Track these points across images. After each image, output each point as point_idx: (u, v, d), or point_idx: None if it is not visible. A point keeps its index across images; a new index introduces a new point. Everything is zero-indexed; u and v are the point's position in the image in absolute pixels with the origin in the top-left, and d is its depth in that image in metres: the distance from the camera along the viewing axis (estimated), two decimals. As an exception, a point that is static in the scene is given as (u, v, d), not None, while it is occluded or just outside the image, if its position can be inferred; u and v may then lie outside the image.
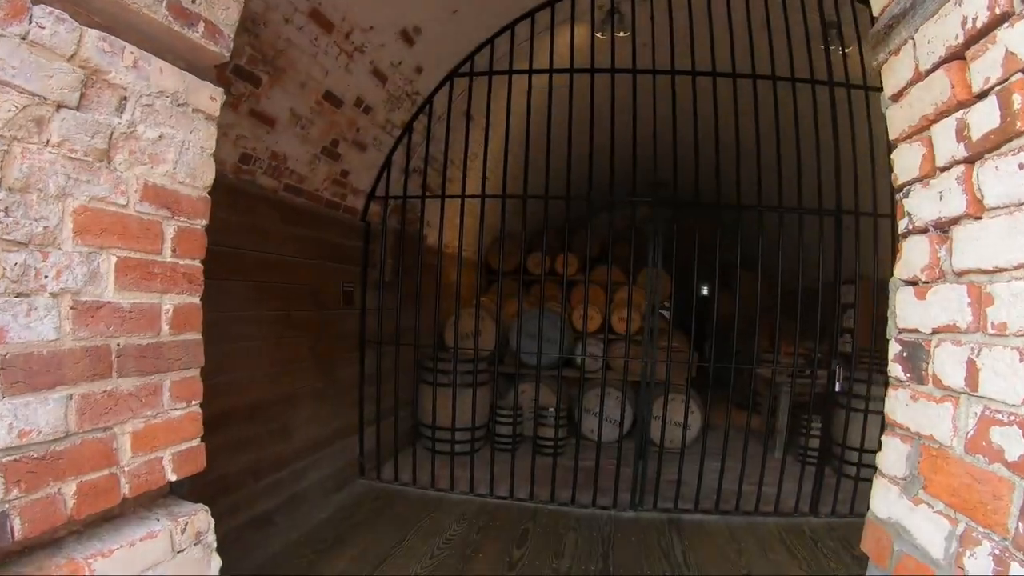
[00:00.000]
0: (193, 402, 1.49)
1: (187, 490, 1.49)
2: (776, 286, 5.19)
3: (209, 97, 1.52)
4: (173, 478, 1.39)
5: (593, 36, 5.11)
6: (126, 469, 1.26)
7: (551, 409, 6.40)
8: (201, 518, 1.40)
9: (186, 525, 1.35)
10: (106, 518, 1.23)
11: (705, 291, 14.69)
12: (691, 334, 5.07)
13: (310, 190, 4.39)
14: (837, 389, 5.07)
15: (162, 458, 1.36)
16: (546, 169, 4.90)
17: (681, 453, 5.01)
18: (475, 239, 8.04)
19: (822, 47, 4.92)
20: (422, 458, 5.43)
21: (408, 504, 4.82)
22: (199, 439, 1.50)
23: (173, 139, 1.40)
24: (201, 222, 1.53)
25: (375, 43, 4.16)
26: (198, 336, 1.53)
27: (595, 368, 7.08)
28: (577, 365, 7.11)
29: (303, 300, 4.34)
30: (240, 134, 3.50)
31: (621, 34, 5.13)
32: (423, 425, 6.19)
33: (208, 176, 1.55)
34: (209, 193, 1.56)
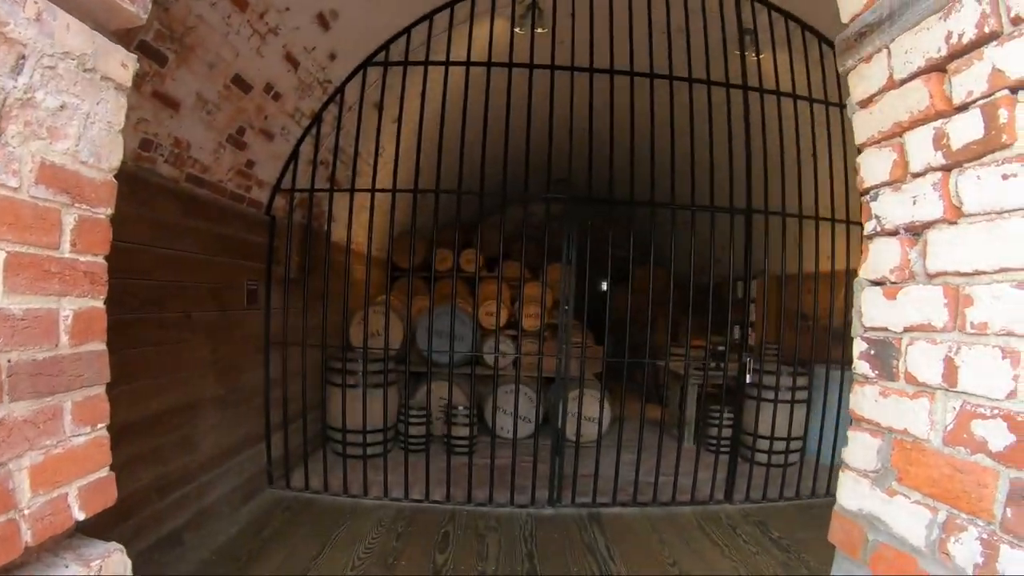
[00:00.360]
0: (99, 425, 1.26)
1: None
2: (686, 283, 5.31)
3: (120, 63, 1.30)
4: (81, 516, 1.16)
5: (513, 31, 5.03)
6: (26, 512, 1.04)
7: (462, 408, 6.30)
8: (116, 560, 1.19)
9: (99, 569, 1.14)
10: (6, 571, 1.02)
11: (604, 287, 15.05)
12: (604, 329, 5.09)
13: (214, 181, 4.07)
14: (748, 381, 5.26)
15: (67, 494, 1.14)
16: (460, 164, 4.78)
17: (597, 447, 5.02)
18: (383, 235, 7.88)
19: (737, 52, 5.09)
20: (332, 463, 5.20)
21: (321, 512, 4.58)
22: (108, 468, 1.28)
23: (77, 110, 1.18)
24: (106, 211, 1.30)
25: (290, 25, 3.90)
26: (102, 347, 1.30)
27: (504, 365, 7.03)
28: (485, 363, 7.05)
29: (205, 300, 4.03)
30: (142, 117, 3.18)
31: (540, 30, 5.08)
32: (332, 428, 5.93)
33: (115, 156, 1.32)
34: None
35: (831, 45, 5.45)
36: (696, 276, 5.08)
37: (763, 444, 5.81)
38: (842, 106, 5.41)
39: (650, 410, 8.95)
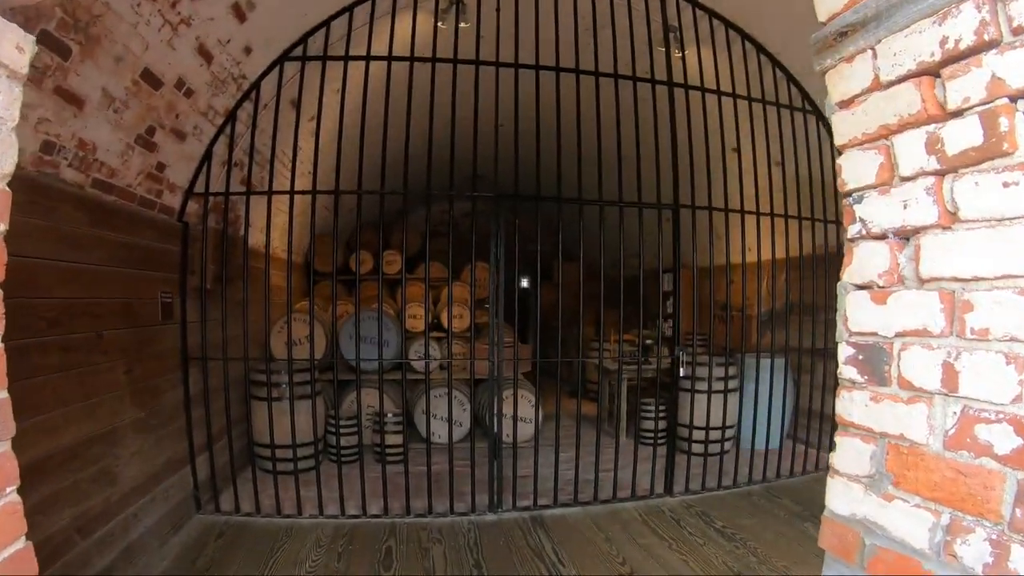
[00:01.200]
0: (8, 490, 1.03)
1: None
2: (615, 278, 5.38)
3: (15, 46, 1.05)
4: (-5, 600, 0.96)
5: (436, 25, 4.90)
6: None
7: (392, 415, 6.13)
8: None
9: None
10: None
11: (526, 284, 15.12)
12: (535, 328, 5.08)
13: (122, 186, 3.71)
14: (682, 374, 5.38)
15: (-23, 579, 0.94)
16: (382, 163, 4.60)
17: (535, 449, 4.99)
18: (303, 239, 7.54)
19: (662, 49, 5.19)
20: (263, 481, 4.89)
21: (256, 536, 4.29)
22: (24, 537, 1.06)
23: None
24: (-1, 227, 1.04)
25: (204, 16, 3.60)
26: (3, 395, 1.04)
27: (432, 368, 6.89)
28: (413, 368, 6.90)
29: (116, 317, 3.67)
30: (43, 117, 2.83)
31: (464, 25, 4.97)
32: (259, 445, 5.61)
33: (9, 160, 1.05)
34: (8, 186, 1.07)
35: (754, 43, 5.69)
36: (624, 271, 5.10)
37: (698, 435, 5.98)
38: (762, 102, 5.65)
39: (583, 406, 9.08)
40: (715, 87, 5.24)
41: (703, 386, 5.88)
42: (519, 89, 4.72)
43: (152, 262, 4.07)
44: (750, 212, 5.40)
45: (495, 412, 4.82)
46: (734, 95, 5.44)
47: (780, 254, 5.62)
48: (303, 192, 4.57)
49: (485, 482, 4.99)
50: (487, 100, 4.67)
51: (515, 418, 5.15)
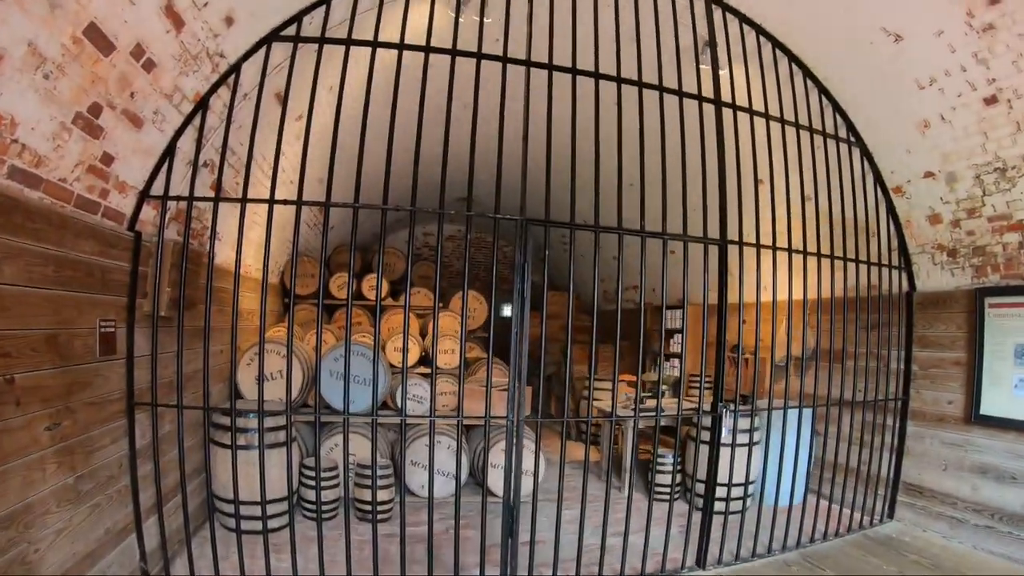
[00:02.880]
0: None
1: None
2: (611, 312, 4.59)
3: None
4: None
5: (458, 16, 4.12)
6: None
7: (379, 467, 5.22)
8: None
9: None
10: None
11: (507, 312, 14.29)
12: (541, 372, 4.25)
13: (53, 180, 2.81)
14: (724, 437, 4.58)
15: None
16: (386, 174, 3.77)
17: (533, 507, 4.11)
18: (282, 256, 6.61)
19: (704, 67, 4.57)
20: (225, 542, 3.95)
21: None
22: None
23: None
24: None
25: (174, -40, 2.76)
26: None
27: (421, 412, 6.01)
28: (397, 410, 6.01)
29: (35, 354, 2.74)
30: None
31: (487, 20, 4.19)
32: (220, 499, 4.65)
33: None
34: None
35: (801, 65, 5.11)
36: (615, 305, 4.32)
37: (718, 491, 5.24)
38: (810, 130, 5.02)
39: (574, 450, 8.23)
40: (758, 110, 4.63)
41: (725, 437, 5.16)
42: (552, 95, 3.96)
43: (90, 281, 3.14)
44: (797, 251, 4.83)
45: (512, 482, 3.92)
46: (782, 120, 4.85)
47: (801, 294, 4.97)
48: (285, 202, 3.69)
49: (491, 548, 4.12)
50: (513, 106, 3.90)
51: (515, 471, 4.27)
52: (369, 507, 5.26)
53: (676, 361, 9.51)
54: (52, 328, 2.84)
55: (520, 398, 3.89)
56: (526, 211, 3.82)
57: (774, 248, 4.72)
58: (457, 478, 3.96)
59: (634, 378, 7.69)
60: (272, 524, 4.78)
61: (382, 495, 5.24)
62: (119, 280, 3.43)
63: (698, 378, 8.26)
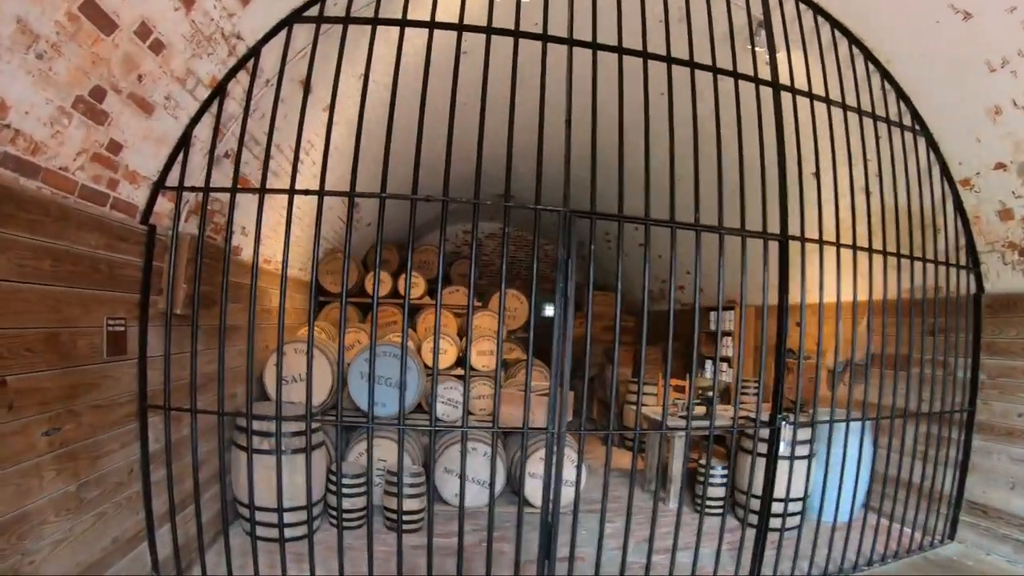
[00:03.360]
0: None
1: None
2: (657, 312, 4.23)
3: None
4: None
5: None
6: None
7: (410, 474, 5.01)
8: None
9: None
10: None
11: (550, 311, 13.96)
12: (586, 374, 3.94)
13: (52, 168, 2.63)
14: (782, 450, 4.19)
15: None
16: (416, 160, 3.49)
17: (573, 522, 3.78)
18: (305, 250, 6.43)
19: (758, 49, 4.19)
20: (243, 549, 3.75)
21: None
22: None
23: None
24: None
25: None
26: None
27: (454, 418, 5.74)
28: (437, 415, 5.77)
29: (31, 354, 2.56)
30: None
31: (526, -2, 3.89)
32: (243, 505, 4.50)
33: None
34: None
35: (861, 47, 4.69)
36: (649, 305, 3.94)
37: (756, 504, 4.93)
38: (872, 116, 4.60)
39: (620, 457, 7.89)
40: (818, 94, 4.24)
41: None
42: (596, 77, 3.63)
43: (96, 277, 2.96)
44: (861, 248, 4.42)
45: (551, 497, 3.62)
46: (844, 105, 4.44)
47: (862, 295, 4.54)
48: (307, 192, 3.45)
49: (527, 564, 3.83)
50: (554, 89, 3.59)
51: (556, 480, 3.97)
52: (395, 514, 5.03)
53: (724, 365, 9.08)
54: (51, 327, 2.66)
55: (562, 407, 3.57)
56: (569, 202, 3.49)
57: (838, 245, 4.31)
58: (491, 490, 3.68)
59: (682, 382, 7.30)
60: (296, 532, 4.59)
61: (412, 504, 5.00)
62: (130, 276, 3.24)
63: (748, 383, 7.83)
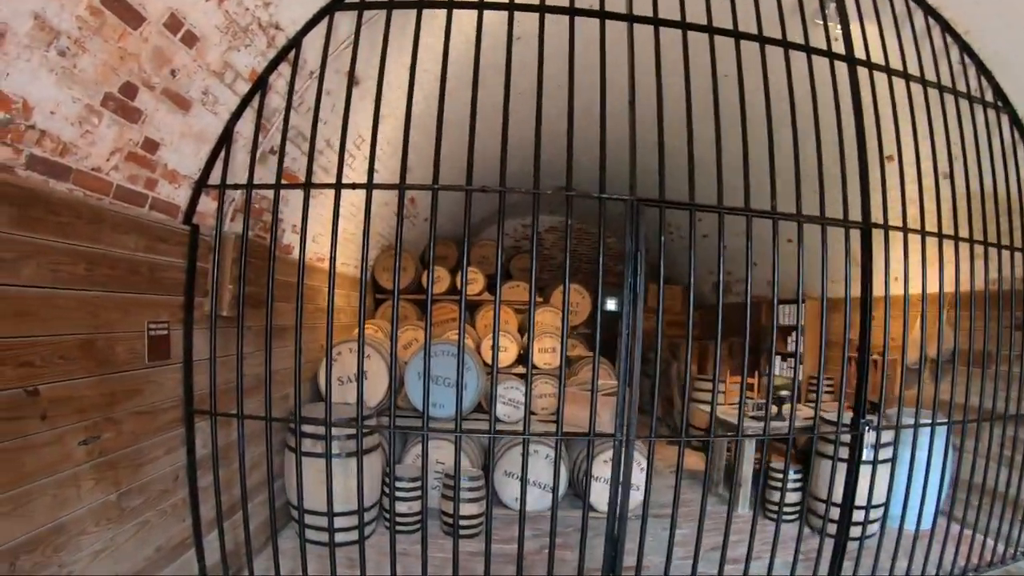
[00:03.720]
0: None
1: None
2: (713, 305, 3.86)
3: None
4: None
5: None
6: None
7: (469, 477, 4.85)
8: None
9: None
10: None
11: (612, 306, 13.61)
12: (656, 374, 3.66)
13: (85, 169, 2.54)
14: (866, 455, 3.81)
15: None
16: (470, 147, 3.25)
17: (642, 529, 3.49)
18: (354, 245, 6.34)
19: (818, 23, 3.79)
20: (294, 554, 3.67)
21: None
22: None
23: None
24: None
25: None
26: None
27: (516, 419, 5.53)
28: (496, 415, 5.57)
29: (65, 361, 2.48)
30: None
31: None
32: (294, 507, 4.44)
33: None
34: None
35: (939, 18, 4.21)
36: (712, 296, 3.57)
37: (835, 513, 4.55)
38: (953, 92, 4.12)
39: (686, 456, 7.53)
40: (896, 69, 3.80)
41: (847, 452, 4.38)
42: (660, 55, 3.32)
43: (135, 280, 2.88)
44: (948, 236, 3.98)
45: (617, 511, 3.35)
46: (923, 80, 3.99)
47: (937, 287, 4.07)
48: (354, 186, 3.27)
49: (591, 571, 3.61)
50: (614, 71, 3.30)
51: (623, 485, 3.69)
52: (452, 519, 4.87)
53: (792, 362, 8.56)
54: (87, 333, 2.58)
55: (631, 413, 3.29)
56: (636, 191, 3.20)
57: (923, 232, 3.88)
58: (554, 495, 3.46)
59: (749, 381, 6.88)
60: (350, 536, 4.49)
61: (470, 508, 4.83)
62: (172, 278, 3.16)
63: (818, 381, 7.33)
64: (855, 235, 3.69)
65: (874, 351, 6.80)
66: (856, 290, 3.69)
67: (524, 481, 3.21)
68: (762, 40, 3.53)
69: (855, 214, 3.62)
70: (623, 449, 3.23)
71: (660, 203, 3.17)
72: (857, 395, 3.82)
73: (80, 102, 2.40)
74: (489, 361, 6.40)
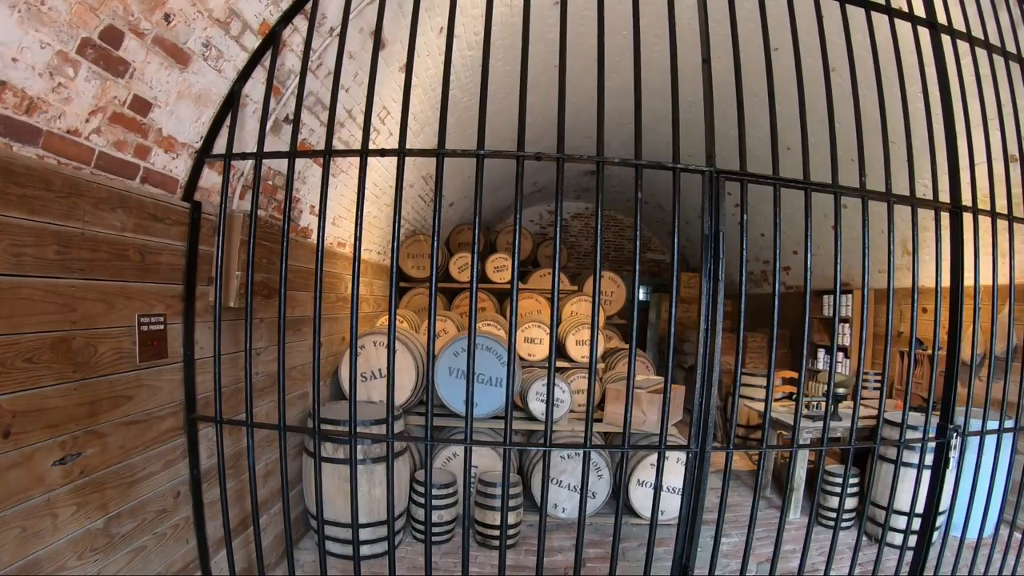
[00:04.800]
0: None
1: None
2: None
3: None
4: None
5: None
6: None
7: (502, 484, 4.42)
8: None
9: None
10: None
11: (643, 295, 13.07)
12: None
13: (58, 132, 2.09)
14: (952, 466, 3.30)
15: None
16: (521, 114, 2.73)
17: (715, 549, 3.01)
18: (383, 234, 5.91)
19: None
20: (314, 568, 3.27)
21: None
22: None
23: None
24: None
25: None
26: None
27: (557, 416, 5.05)
28: (529, 413, 5.11)
29: (32, 365, 2.03)
30: None
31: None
32: (312, 516, 4.04)
33: None
34: None
35: None
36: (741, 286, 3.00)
37: (899, 521, 4.46)
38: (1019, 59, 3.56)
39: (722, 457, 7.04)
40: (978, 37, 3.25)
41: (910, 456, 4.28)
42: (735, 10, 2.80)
43: (122, 267, 2.43)
44: (1003, 216, 3.39)
45: (689, 541, 2.85)
46: (1004, 52, 3.46)
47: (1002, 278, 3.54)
48: (383, 152, 2.75)
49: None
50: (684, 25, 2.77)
51: (657, 488, 3.20)
52: (489, 530, 4.43)
53: (840, 355, 8.04)
54: (61, 330, 2.13)
55: (707, 421, 2.77)
56: (715, 160, 2.68)
57: (1011, 218, 3.34)
58: (617, 506, 2.97)
59: (793, 374, 6.35)
60: (376, 549, 4.07)
61: (509, 518, 4.37)
62: (170, 263, 2.71)
63: (869, 377, 6.80)
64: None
65: (928, 344, 6.26)
66: (903, 280, 3.15)
67: (583, 492, 2.74)
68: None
69: (957, 195, 3.10)
70: (697, 463, 2.73)
71: (743, 176, 2.64)
72: (945, 398, 3.30)
73: (50, 48, 1.94)
74: (523, 354, 5.93)
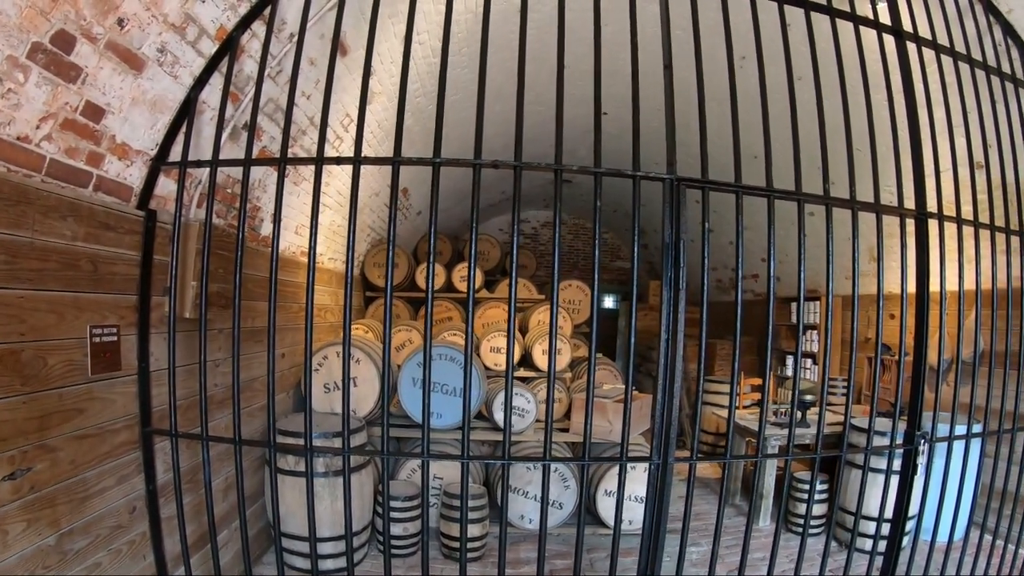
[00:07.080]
0: None
1: None
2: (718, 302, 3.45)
3: None
4: None
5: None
6: None
7: (471, 495, 4.38)
8: None
9: None
10: None
11: (611, 303, 13.18)
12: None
13: (7, 138, 2.03)
14: (920, 473, 3.37)
15: None
16: (478, 121, 2.74)
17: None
18: (359, 244, 5.85)
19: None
20: None
21: None
22: None
23: None
24: None
25: None
26: None
27: (522, 427, 5.05)
28: (495, 424, 5.09)
29: (-18, 376, 1.97)
30: None
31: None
32: (281, 534, 3.95)
33: None
34: None
35: None
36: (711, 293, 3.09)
37: (867, 527, 4.55)
38: (999, 73, 3.71)
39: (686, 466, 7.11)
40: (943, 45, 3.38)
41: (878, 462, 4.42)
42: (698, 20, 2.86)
43: (74, 277, 2.37)
44: (999, 229, 3.56)
45: (653, 552, 2.87)
46: (971, 60, 3.61)
47: (990, 282, 3.67)
48: (339, 160, 2.75)
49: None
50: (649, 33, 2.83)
51: (619, 498, 3.22)
52: (454, 543, 4.39)
53: (808, 362, 8.20)
54: (7, 342, 2.07)
55: (670, 431, 2.78)
56: (676, 168, 2.70)
57: (976, 224, 3.45)
58: (579, 528, 2.98)
59: (759, 382, 6.46)
60: (338, 564, 4.01)
61: (474, 529, 4.36)
62: (123, 273, 2.65)
63: (836, 383, 6.96)
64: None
65: (895, 350, 6.41)
66: (868, 287, 3.25)
67: (544, 504, 2.74)
68: (807, 6, 3.08)
69: (923, 201, 3.20)
70: (660, 475, 2.75)
71: (704, 184, 2.69)
72: (912, 404, 3.38)
73: (-3, 51, 1.90)
74: (489, 364, 5.92)
